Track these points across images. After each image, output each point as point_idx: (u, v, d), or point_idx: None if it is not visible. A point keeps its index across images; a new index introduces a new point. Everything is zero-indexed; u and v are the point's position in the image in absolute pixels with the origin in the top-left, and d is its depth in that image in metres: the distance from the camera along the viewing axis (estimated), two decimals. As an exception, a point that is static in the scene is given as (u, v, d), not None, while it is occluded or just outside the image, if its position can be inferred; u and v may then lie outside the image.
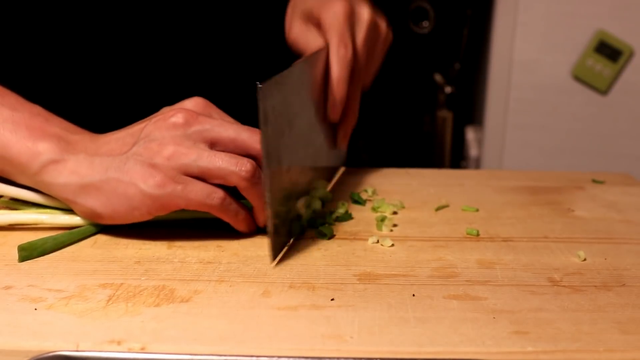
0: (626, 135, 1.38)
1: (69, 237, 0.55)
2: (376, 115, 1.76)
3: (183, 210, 0.54)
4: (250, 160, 0.53)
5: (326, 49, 0.62)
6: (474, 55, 1.61)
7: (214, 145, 0.53)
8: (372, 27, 0.66)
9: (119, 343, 0.40)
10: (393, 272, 0.50)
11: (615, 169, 0.87)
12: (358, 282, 0.49)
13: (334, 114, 0.63)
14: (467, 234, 0.58)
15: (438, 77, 1.68)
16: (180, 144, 0.52)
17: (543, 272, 0.51)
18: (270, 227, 0.51)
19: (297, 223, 0.57)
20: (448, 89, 1.67)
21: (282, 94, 0.52)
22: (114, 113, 0.66)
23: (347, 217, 0.60)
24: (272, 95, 0.49)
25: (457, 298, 0.46)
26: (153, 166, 0.52)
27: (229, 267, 0.51)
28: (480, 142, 1.49)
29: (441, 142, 1.69)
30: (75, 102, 0.75)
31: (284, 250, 0.54)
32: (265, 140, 0.49)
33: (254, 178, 0.52)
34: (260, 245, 0.55)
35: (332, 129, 0.67)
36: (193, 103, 0.56)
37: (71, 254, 0.53)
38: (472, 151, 1.55)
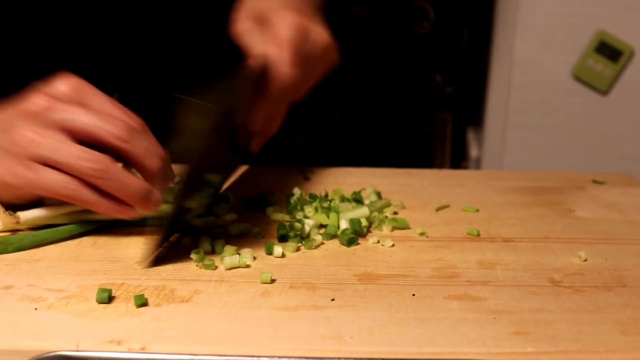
0: (627, 136, 1.38)
1: (52, 235, 0.54)
2: (377, 115, 1.76)
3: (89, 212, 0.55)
4: (100, 155, 0.51)
5: (267, 57, 0.62)
6: (474, 55, 1.61)
7: (72, 133, 0.52)
8: (322, 50, 0.66)
9: (119, 343, 0.40)
10: (393, 273, 0.50)
11: (615, 169, 0.87)
12: (358, 282, 0.49)
13: (258, 126, 0.64)
14: (468, 234, 0.58)
15: (438, 78, 1.68)
16: (37, 132, 0.52)
17: (544, 273, 0.51)
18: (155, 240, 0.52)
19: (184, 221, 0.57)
20: (448, 89, 1.67)
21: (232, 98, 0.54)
22: None
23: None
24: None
25: (457, 298, 0.46)
26: (10, 154, 0.52)
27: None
28: (480, 143, 1.49)
29: (442, 142, 1.69)
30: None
31: (159, 250, 0.53)
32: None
33: (101, 173, 0.51)
34: (261, 246, 0.55)
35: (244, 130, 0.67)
36: (63, 84, 0.54)
37: (71, 254, 0.53)
38: (473, 151, 1.55)
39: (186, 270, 0.50)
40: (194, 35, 0.83)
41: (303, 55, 0.64)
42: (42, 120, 0.52)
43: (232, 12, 0.68)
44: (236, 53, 0.64)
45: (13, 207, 0.56)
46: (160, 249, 0.53)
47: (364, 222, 0.58)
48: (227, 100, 0.57)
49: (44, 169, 0.52)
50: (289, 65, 0.61)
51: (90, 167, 0.51)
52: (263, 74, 0.61)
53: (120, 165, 0.52)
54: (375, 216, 0.60)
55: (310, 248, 0.54)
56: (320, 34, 0.66)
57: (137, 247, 0.54)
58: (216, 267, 0.50)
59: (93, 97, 0.55)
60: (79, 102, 0.53)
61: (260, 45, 0.63)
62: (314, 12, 0.69)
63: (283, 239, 0.56)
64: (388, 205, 0.64)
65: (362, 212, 0.59)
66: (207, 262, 0.50)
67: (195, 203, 0.57)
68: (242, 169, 0.77)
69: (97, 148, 0.52)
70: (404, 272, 0.50)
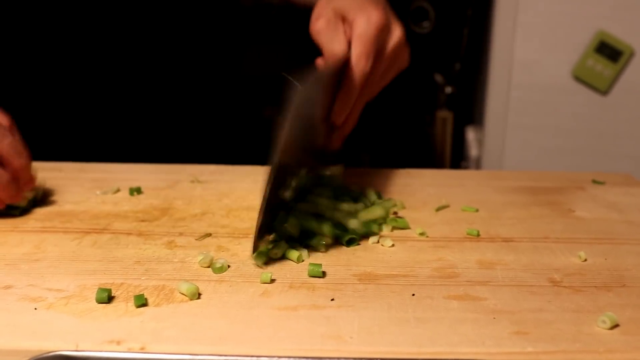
0: (626, 136, 1.38)
1: None
2: (376, 115, 1.76)
3: None
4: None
5: (348, 55, 0.62)
6: (474, 55, 1.61)
7: None
8: (399, 49, 0.67)
9: (118, 343, 0.40)
10: (393, 272, 0.50)
11: (615, 169, 0.87)
12: (358, 282, 0.49)
13: (340, 119, 0.64)
14: (468, 234, 0.58)
15: (438, 77, 1.68)
16: None
17: (543, 273, 0.51)
18: (257, 226, 0.52)
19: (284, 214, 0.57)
20: (448, 89, 1.67)
21: (309, 94, 0.54)
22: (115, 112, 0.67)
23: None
24: (301, 93, 0.51)
25: (457, 298, 0.46)
26: None
27: (229, 267, 0.51)
28: (480, 142, 1.49)
29: (441, 142, 1.69)
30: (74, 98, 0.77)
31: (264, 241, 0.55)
32: (286, 134, 0.51)
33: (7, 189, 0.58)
34: (260, 245, 0.55)
35: (328, 130, 0.67)
36: None
37: (71, 254, 0.53)
38: (473, 151, 1.54)
39: (186, 270, 0.50)
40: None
41: (381, 52, 0.64)
42: None
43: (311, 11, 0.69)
44: (314, 51, 0.64)
45: None
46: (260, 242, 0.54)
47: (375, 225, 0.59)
48: (305, 96, 0.56)
49: None
50: (367, 60, 0.62)
51: None
52: (341, 70, 0.62)
53: None
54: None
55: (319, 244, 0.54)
56: (397, 33, 0.67)
57: (136, 247, 0.54)
58: (229, 266, 0.51)
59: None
60: None
61: (337, 44, 0.64)
62: (389, 9, 0.69)
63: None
64: (393, 205, 0.64)
65: (377, 212, 0.60)
66: (218, 265, 0.50)
67: (287, 193, 0.58)
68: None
69: None
70: (403, 272, 0.50)
